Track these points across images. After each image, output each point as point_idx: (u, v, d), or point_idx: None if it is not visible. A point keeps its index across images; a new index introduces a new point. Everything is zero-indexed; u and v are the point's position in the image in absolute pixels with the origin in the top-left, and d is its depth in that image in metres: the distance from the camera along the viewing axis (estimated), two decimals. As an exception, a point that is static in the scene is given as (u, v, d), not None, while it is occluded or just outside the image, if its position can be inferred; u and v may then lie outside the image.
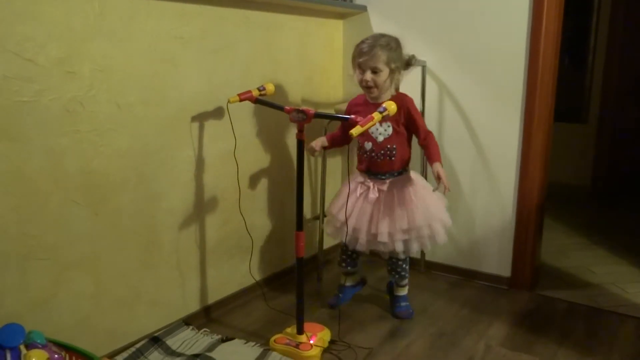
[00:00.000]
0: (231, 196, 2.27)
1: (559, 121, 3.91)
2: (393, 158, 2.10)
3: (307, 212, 2.75)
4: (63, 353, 1.44)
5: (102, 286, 1.82)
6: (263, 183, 2.45)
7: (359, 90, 2.86)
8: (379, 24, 2.72)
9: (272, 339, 2.00)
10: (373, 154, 2.11)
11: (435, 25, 2.55)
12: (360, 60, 2.01)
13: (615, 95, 4.23)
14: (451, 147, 2.60)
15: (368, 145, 2.11)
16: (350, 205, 2.12)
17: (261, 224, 2.48)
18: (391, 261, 2.25)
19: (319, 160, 2.71)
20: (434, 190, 2.03)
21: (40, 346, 1.39)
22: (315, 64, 2.67)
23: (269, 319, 2.24)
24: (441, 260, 2.72)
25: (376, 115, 1.80)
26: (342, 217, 2.12)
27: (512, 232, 2.51)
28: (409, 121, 2.09)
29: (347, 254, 2.30)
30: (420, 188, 2.13)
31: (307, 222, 2.74)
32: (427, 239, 2.12)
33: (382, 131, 2.08)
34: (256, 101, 2.07)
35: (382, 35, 2.05)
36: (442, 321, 2.23)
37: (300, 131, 1.90)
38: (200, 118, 2.10)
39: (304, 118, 1.87)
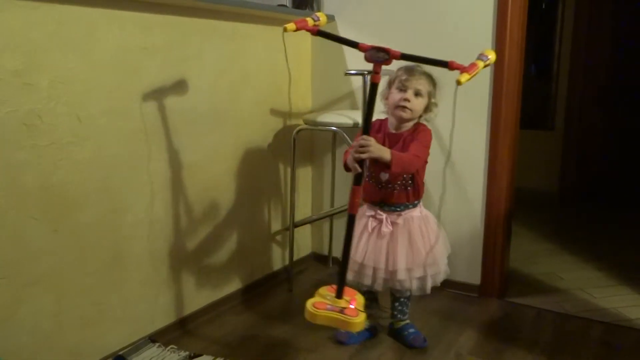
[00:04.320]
0: (199, 208, 2.23)
1: (527, 129, 4.00)
2: (409, 188, 1.99)
3: (277, 223, 2.72)
4: (20, 376, 1.39)
5: (63, 304, 1.76)
6: (232, 194, 2.42)
7: (326, 100, 2.87)
8: (347, 34, 2.71)
9: (310, 302, 1.67)
10: (390, 185, 1.97)
11: (402, 35, 2.57)
12: (405, 78, 1.91)
13: (580, 102, 4.33)
14: (420, 156, 2.61)
15: (384, 176, 1.96)
16: (363, 243, 1.99)
17: (230, 235, 2.44)
18: (398, 298, 2.11)
19: (288, 170, 2.68)
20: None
21: (-5, 370, 1.34)
22: (285, 73, 2.65)
23: (240, 332, 2.20)
24: (412, 269, 2.72)
25: (480, 63, 1.65)
26: (358, 258, 1.98)
27: (481, 240, 2.53)
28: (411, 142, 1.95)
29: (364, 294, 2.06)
30: (432, 224, 2.05)
31: (277, 234, 2.71)
32: (438, 276, 2.04)
33: None
34: (318, 33, 1.77)
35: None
36: (413, 331, 2.23)
37: (377, 73, 1.65)
38: (167, 129, 2.06)
39: (386, 58, 1.63)
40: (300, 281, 2.74)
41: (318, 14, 1.85)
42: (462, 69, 1.58)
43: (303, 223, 2.76)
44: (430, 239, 2.00)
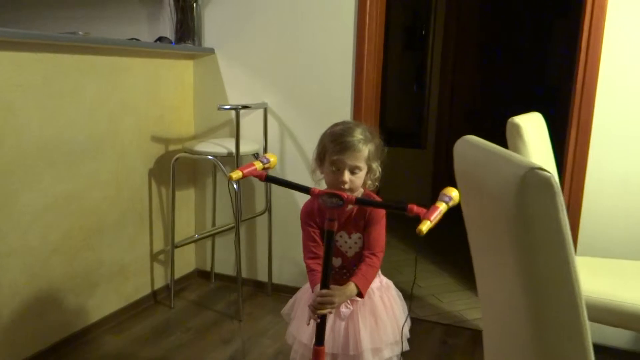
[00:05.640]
0: (77, 234, 2.33)
1: (404, 147, 4.42)
2: None
3: (160, 244, 2.86)
4: None
5: None
6: (113, 218, 2.54)
7: (208, 127, 3.05)
8: (226, 66, 2.93)
9: None
10: (344, 271, 1.70)
11: (276, 69, 2.82)
12: (336, 158, 1.59)
13: (447, 124, 4.82)
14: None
15: (337, 261, 1.70)
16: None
17: (110, 258, 2.55)
18: None
19: (169, 192, 2.83)
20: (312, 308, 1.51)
21: None
22: (166, 102, 2.80)
23: (118, 352, 2.33)
24: (287, 282, 2.98)
25: (442, 206, 1.40)
26: (307, 340, 1.66)
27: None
28: (365, 226, 1.68)
29: None
30: (393, 292, 1.82)
31: (159, 254, 2.86)
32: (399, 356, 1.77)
33: (353, 244, 1.69)
34: (267, 179, 1.59)
35: (357, 125, 1.67)
36: (282, 342, 2.47)
37: (332, 220, 1.46)
38: (44, 160, 2.15)
39: (340, 204, 1.45)
40: (183, 297, 2.91)
41: (268, 155, 1.63)
42: (423, 215, 1.36)
43: (186, 242, 2.93)
44: (394, 311, 1.76)
